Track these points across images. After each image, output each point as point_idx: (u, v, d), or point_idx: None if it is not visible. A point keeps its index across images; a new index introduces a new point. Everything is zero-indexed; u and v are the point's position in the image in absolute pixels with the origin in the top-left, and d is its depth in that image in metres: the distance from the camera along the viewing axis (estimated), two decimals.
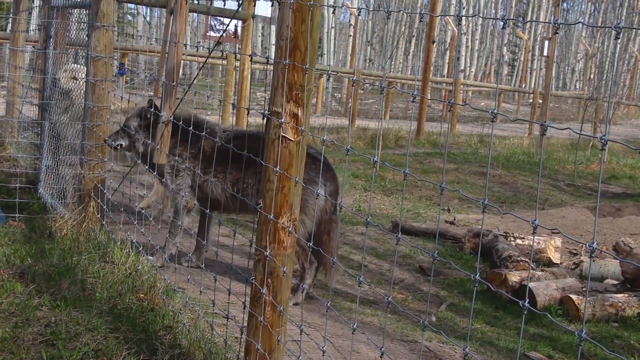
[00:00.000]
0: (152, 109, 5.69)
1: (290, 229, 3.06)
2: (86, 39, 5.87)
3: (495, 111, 2.24)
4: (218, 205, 5.77)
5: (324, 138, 2.96)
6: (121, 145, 5.91)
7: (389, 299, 2.56)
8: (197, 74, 5.46)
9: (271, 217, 3.05)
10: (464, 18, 38.23)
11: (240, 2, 4.29)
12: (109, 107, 5.90)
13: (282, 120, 2.98)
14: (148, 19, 39.22)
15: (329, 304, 2.90)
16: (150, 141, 5.75)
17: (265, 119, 3.09)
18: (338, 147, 12.57)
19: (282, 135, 3.01)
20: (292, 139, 3.02)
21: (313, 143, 12.53)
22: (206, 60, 5.23)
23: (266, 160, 3.08)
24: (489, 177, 11.35)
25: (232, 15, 10.04)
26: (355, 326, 2.75)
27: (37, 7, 16.27)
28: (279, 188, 3.04)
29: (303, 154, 3.07)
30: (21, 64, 10.36)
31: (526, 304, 2.08)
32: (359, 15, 25.71)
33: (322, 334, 4.40)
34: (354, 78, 3.60)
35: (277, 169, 3.01)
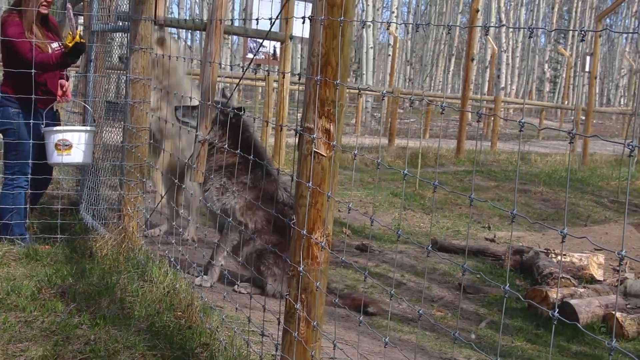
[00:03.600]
0: (231, 110, 5.47)
1: (323, 245, 3.06)
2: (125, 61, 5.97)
3: (522, 123, 2.23)
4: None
5: (355, 152, 2.96)
6: (188, 123, 5.75)
7: (420, 311, 2.54)
8: (231, 94, 5.50)
9: (304, 232, 3.06)
10: (504, 35, 38.08)
11: (272, 23, 4.33)
12: (148, 129, 5.98)
13: (314, 135, 2.99)
14: (189, 42, 39.83)
15: (360, 319, 2.89)
16: (218, 137, 5.50)
17: (298, 135, 3.11)
18: (376, 166, 12.53)
19: (315, 151, 3.02)
20: (325, 155, 3.03)
21: (348, 160, 12.61)
22: (240, 80, 5.27)
23: (299, 176, 3.10)
24: (529, 194, 11.23)
25: (269, 37, 10.13)
26: (387, 340, 2.73)
27: None
28: (311, 204, 3.05)
29: (335, 170, 3.08)
30: None
31: (557, 314, 2.05)
32: (396, 31, 25.73)
33: (358, 351, 4.38)
34: (383, 92, 3.62)
35: (310, 185, 3.02)
